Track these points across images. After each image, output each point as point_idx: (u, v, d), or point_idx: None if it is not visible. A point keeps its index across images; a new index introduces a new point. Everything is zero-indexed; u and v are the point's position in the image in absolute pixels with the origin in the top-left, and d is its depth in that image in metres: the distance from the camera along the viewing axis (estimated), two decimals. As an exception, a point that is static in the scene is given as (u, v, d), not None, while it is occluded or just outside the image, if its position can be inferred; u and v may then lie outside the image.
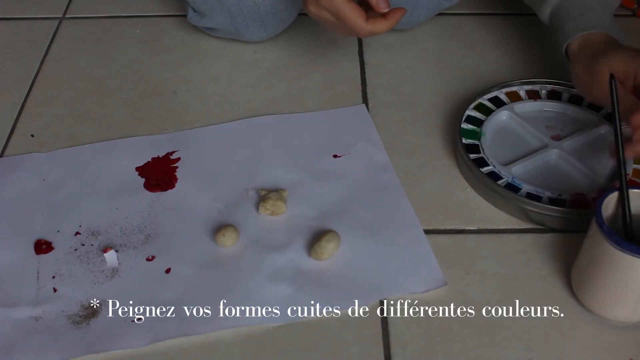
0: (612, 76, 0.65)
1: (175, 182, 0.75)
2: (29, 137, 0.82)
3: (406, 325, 0.63)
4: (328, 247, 0.66)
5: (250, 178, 0.75)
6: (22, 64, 0.92)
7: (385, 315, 0.63)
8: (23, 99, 0.87)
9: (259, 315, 0.63)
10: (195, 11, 0.93)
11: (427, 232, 0.70)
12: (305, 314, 0.63)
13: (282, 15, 0.89)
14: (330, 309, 0.63)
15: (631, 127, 0.63)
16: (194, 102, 0.85)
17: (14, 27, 0.99)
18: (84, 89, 0.88)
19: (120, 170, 0.76)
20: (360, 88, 0.88)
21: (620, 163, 0.62)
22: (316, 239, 0.67)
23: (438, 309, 0.64)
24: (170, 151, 0.78)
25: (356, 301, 0.64)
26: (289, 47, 0.94)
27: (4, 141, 0.81)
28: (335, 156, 0.78)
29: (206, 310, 0.63)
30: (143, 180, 0.75)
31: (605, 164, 0.74)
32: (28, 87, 0.89)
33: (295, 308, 0.63)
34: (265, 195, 0.71)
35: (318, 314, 0.63)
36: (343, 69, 0.91)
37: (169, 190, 0.74)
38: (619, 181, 0.61)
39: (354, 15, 0.70)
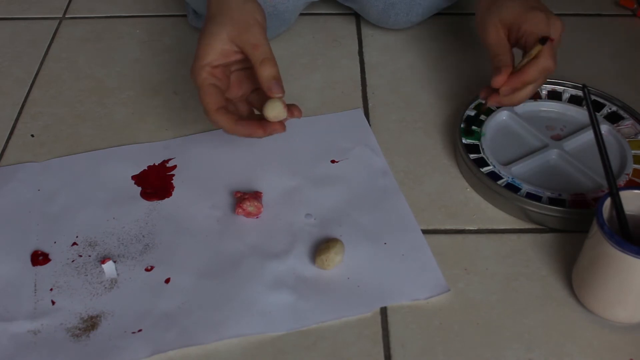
0: (584, 86, 0.65)
1: (172, 190, 0.74)
2: (29, 137, 0.82)
3: (406, 325, 0.63)
4: (336, 259, 0.66)
5: (248, 184, 0.75)
6: (22, 64, 0.92)
7: (385, 315, 0.63)
8: (23, 99, 0.87)
9: (261, 324, 0.62)
10: (196, 13, 0.93)
11: (427, 232, 0.70)
12: (307, 323, 0.62)
13: (283, 17, 0.89)
14: (332, 318, 0.63)
15: (492, 85, 0.69)
16: (194, 103, 0.85)
17: (14, 27, 0.99)
18: (84, 89, 0.88)
19: (115, 179, 0.75)
20: (360, 88, 0.88)
21: (607, 169, 0.62)
22: (323, 248, 0.66)
23: (438, 309, 0.64)
24: (166, 159, 0.78)
25: (359, 309, 0.63)
26: (289, 47, 0.94)
27: (4, 141, 0.81)
28: (333, 161, 0.77)
29: (207, 321, 0.62)
30: (139, 189, 0.75)
31: (605, 164, 0.74)
32: (28, 87, 0.89)
33: (297, 317, 0.63)
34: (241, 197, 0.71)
35: (320, 323, 0.63)
36: (343, 69, 0.91)
37: (166, 199, 0.73)
38: (609, 185, 0.61)
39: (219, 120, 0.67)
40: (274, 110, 0.67)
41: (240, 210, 0.71)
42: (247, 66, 0.70)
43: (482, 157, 0.75)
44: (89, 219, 0.72)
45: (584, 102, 0.81)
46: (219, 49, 0.67)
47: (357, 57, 0.93)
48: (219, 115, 0.67)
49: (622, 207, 0.60)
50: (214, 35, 0.67)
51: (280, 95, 0.67)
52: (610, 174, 0.61)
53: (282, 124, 0.69)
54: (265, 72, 0.66)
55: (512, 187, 0.72)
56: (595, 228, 0.59)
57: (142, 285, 0.66)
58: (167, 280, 0.66)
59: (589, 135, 0.77)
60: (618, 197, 0.60)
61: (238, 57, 0.69)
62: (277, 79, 0.67)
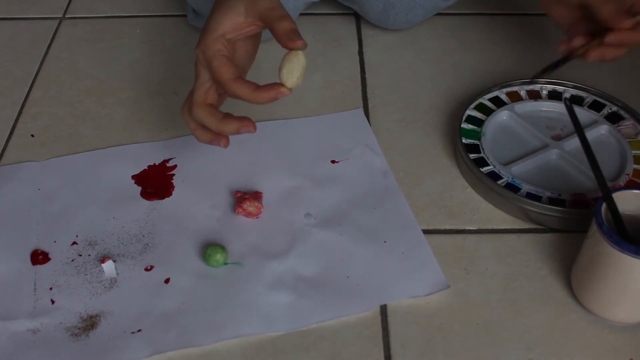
0: (566, 100, 0.65)
1: (172, 189, 0.74)
2: (29, 137, 0.82)
3: (406, 325, 0.63)
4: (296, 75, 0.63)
5: (248, 184, 0.75)
6: (22, 64, 0.92)
7: (385, 315, 0.63)
8: (23, 99, 0.87)
9: (260, 324, 0.62)
10: (195, 12, 0.93)
11: (427, 232, 0.70)
12: (307, 323, 0.62)
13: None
14: (332, 318, 0.63)
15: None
16: (194, 102, 0.85)
17: (14, 27, 0.99)
18: (84, 89, 0.88)
19: (115, 178, 0.75)
20: (360, 88, 0.88)
21: (598, 177, 0.62)
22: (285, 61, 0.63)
23: (438, 309, 0.64)
24: (166, 158, 0.78)
25: (358, 308, 0.63)
26: (289, 47, 0.94)
27: (4, 141, 0.81)
28: (333, 161, 0.77)
29: (207, 321, 0.62)
30: (139, 188, 0.75)
31: (606, 165, 0.74)
32: (28, 87, 0.89)
33: (296, 317, 0.63)
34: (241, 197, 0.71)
35: (320, 323, 0.63)
36: (343, 69, 0.91)
37: (166, 199, 0.73)
38: (601, 191, 0.61)
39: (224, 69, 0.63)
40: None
41: (240, 210, 0.71)
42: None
43: (482, 157, 0.75)
44: (88, 218, 0.72)
45: (584, 102, 0.81)
46: (233, 20, 0.64)
47: (357, 57, 0.93)
48: (238, 84, 0.63)
49: (617, 210, 0.60)
50: (230, 7, 0.64)
51: (302, 44, 0.62)
52: (601, 181, 0.62)
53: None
54: (282, 26, 0.62)
55: (512, 187, 0.72)
56: (594, 228, 0.59)
57: (142, 285, 0.66)
58: (167, 280, 0.66)
59: (589, 136, 0.77)
60: (612, 201, 0.60)
61: (250, 29, 0.65)
62: (297, 32, 0.62)
